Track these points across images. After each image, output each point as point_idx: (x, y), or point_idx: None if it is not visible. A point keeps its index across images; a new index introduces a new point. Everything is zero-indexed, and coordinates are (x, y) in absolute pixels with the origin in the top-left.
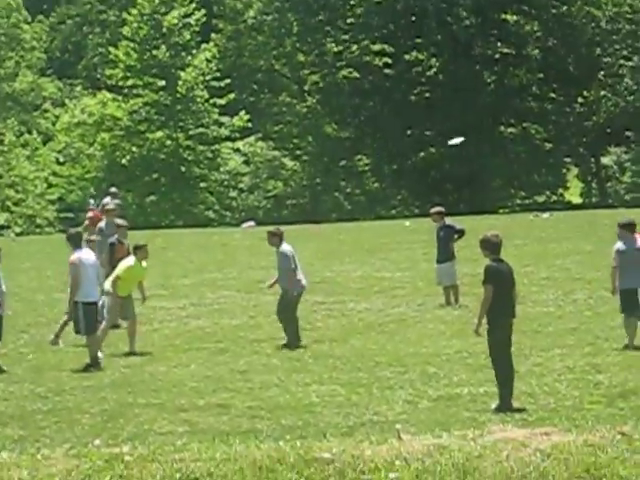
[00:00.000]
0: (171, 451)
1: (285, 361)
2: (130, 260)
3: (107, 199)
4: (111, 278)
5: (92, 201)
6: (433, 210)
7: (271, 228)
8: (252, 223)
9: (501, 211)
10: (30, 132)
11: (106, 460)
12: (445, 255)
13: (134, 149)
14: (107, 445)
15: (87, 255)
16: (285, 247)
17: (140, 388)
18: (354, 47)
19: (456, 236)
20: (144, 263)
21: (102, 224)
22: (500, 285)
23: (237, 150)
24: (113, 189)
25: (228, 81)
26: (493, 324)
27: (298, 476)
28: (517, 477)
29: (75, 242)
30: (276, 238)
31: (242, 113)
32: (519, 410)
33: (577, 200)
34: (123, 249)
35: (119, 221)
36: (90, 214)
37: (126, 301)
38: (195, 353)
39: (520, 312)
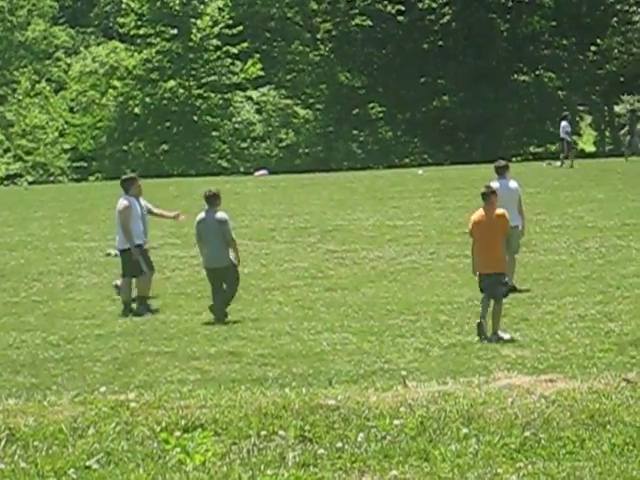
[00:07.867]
0: (177, 398)
1: (297, 309)
2: None
3: None
4: None
5: None
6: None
7: None
8: (265, 172)
9: (514, 159)
10: (42, 81)
11: (112, 407)
12: None
13: (146, 98)
14: (116, 393)
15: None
16: None
17: (152, 336)
18: None
19: None
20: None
21: None
22: None
23: (249, 99)
24: None
25: (240, 28)
26: None
27: (303, 422)
28: (521, 423)
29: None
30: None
31: (256, 58)
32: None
33: (590, 149)
34: None
35: None
36: None
37: None
38: (207, 301)
39: (532, 260)
